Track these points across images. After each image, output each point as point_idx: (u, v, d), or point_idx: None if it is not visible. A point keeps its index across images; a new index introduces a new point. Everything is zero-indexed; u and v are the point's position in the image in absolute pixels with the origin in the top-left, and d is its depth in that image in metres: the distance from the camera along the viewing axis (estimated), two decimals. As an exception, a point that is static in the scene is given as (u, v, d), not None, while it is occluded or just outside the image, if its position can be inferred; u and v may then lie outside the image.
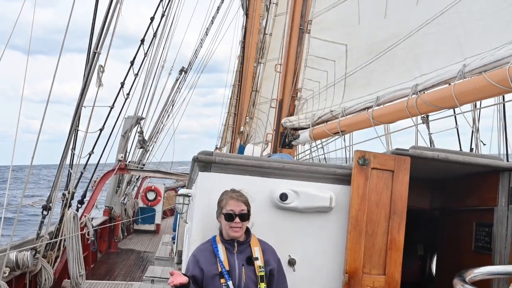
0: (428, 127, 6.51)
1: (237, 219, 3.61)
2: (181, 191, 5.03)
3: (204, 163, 4.05)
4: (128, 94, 13.33)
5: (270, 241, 3.87)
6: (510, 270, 2.51)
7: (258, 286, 3.56)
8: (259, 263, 3.62)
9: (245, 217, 3.64)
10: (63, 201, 10.43)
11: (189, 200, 4.88)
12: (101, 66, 9.75)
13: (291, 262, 4.10)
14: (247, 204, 3.70)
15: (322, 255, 4.13)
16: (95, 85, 9.67)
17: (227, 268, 3.56)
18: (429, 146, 6.47)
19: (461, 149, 7.23)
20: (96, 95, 10.08)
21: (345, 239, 4.04)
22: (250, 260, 3.63)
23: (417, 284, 6.60)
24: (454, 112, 5.62)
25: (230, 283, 3.52)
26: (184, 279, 3.43)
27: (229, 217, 3.61)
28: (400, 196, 4.05)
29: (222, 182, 3.98)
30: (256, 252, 3.66)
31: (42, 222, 9.51)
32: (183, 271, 3.85)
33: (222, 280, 3.54)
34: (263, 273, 3.60)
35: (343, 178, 4.14)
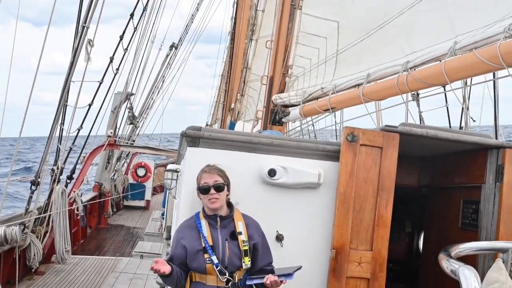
0: (418, 105, 6.53)
1: (212, 190, 3.60)
2: (170, 166, 5.00)
3: (193, 138, 4.02)
4: (117, 69, 13.18)
5: (258, 217, 3.86)
6: (495, 245, 2.53)
7: (242, 261, 3.56)
8: (242, 237, 3.62)
9: (220, 187, 3.63)
10: (52, 176, 10.38)
11: (177, 176, 4.86)
12: (90, 40, 9.62)
13: (279, 238, 4.11)
14: (222, 175, 3.69)
15: (309, 231, 4.14)
16: (83, 59, 9.55)
17: (211, 243, 3.56)
18: (419, 123, 6.48)
19: (450, 127, 7.26)
20: (85, 70, 9.97)
21: (333, 215, 4.05)
22: (233, 235, 3.62)
23: (404, 261, 6.67)
24: (445, 89, 5.63)
25: (214, 257, 3.52)
26: (167, 269, 3.40)
27: (205, 190, 3.61)
28: (388, 172, 4.05)
29: (210, 158, 3.96)
30: (240, 226, 3.66)
31: (30, 197, 9.48)
32: (170, 247, 3.86)
33: (206, 255, 3.54)
34: (246, 247, 3.60)
35: (332, 154, 4.13)
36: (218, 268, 3.51)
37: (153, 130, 22.11)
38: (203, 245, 3.56)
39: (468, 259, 2.11)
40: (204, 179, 3.64)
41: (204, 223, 3.65)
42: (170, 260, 3.60)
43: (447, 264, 1.86)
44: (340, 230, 3.99)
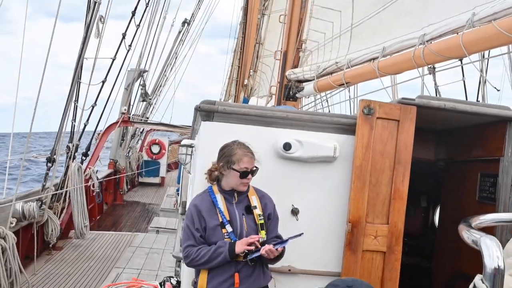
0: (434, 79, 6.42)
1: (249, 176, 3.60)
2: (184, 141, 4.99)
3: (207, 112, 4.00)
4: (130, 45, 13.15)
5: (274, 191, 3.86)
6: (516, 217, 2.49)
7: (259, 234, 3.57)
8: (257, 211, 3.62)
9: (255, 173, 3.63)
10: (67, 153, 10.47)
11: (192, 151, 4.86)
12: (102, 16, 9.60)
13: (294, 212, 4.10)
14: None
15: (325, 205, 4.13)
16: (94, 35, 9.51)
17: (228, 218, 3.56)
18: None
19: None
20: (98, 46, 9.96)
21: (349, 189, 4.03)
22: (249, 209, 3.62)
23: (419, 235, 6.66)
24: (462, 63, 5.53)
25: (232, 232, 3.53)
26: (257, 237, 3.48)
27: (244, 174, 3.57)
28: (405, 146, 4.00)
29: (225, 132, 3.94)
30: (254, 201, 3.66)
31: (47, 174, 9.58)
32: (185, 221, 3.83)
33: (224, 230, 3.53)
34: (262, 221, 3.60)
35: (348, 127, 4.10)
36: None
37: (162, 117, 22.12)
38: (221, 219, 3.55)
39: (486, 232, 2.09)
40: (245, 164, 3.56)
41: (220, 198, 3.63)
42: (201, 236, 3.56)
43: (468, 234, 1.83)
44: (356, 203, 3.97)
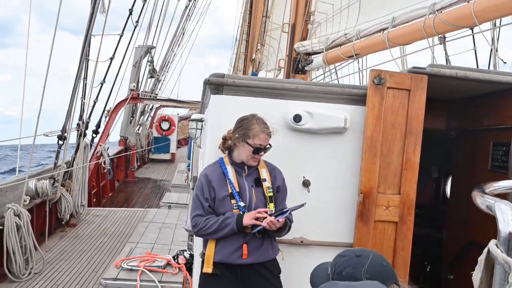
0: (445, 48, 6.34)
1: (261, 152, 3.60)
2: (194, 116, 4.99)
3: (216, 85, 3.98)
4: (137, 21, 13.07)
5: (285, 163, 3.87)
6: (531, 184, 2.46)
7: (268, 207, 3.58)
8: (267, 184, 3.63)
9: (267, 150, 3.63)
10: (77, 131, 10.52)
11: (202, 125, 4.86)
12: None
13: (306, 183, 4.10)
14: None
15: (337, 176, 4.12)
16: (100, 11, 9.45)
17: (237, 190, 3.57)
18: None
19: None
20: (105, 22, 9.91)
21: (360, 160, 4.02)
22: (258, 182, 3.63)
23: (430, 206, 6.65)
24: (473, 32, 5.45)
25: (241, 203, 3.54)
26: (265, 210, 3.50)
27: (258, 151, 3.58)
28: (416, 115, 3.97)
29: (234, 104, 3.93)
30: (264, 173, 3.67)
31: (58, 152, 9.64)
32: (194, 191, 3.84)
33: (233, 201, 3.55)
34: (271, 194, 3.62)
35: (358, 98, 4.06)
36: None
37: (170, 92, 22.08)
38: (230, 190, 3.57)
39: (499, 199, 2.07)
40: (261, 141, 3.56)
41: (230, 169, 3.64)
42: (209, 206, 3.58)
43: (482, 200, 1.81)
44: (368, 174, 3.96)
